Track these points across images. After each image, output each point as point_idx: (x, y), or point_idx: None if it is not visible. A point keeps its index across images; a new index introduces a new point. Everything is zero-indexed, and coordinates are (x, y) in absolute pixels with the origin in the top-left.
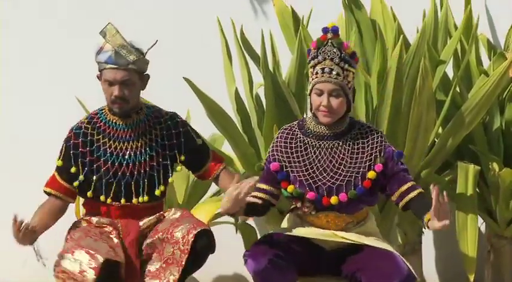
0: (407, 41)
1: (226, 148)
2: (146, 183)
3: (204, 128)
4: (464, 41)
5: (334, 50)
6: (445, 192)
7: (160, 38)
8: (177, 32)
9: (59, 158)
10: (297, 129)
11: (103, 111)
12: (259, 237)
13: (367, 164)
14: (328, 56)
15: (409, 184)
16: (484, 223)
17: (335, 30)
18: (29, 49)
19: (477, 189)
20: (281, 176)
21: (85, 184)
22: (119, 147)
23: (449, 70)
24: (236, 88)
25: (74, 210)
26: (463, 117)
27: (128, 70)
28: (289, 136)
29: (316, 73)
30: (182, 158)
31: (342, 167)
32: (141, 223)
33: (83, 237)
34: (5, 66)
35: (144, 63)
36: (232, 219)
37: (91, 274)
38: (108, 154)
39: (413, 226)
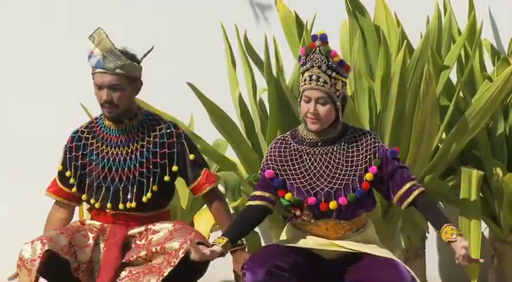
0: (411, 46)
1: (230, 153)
2: (135, 189)
3: (208, 133)
4: (468, 47)
5: (322, 58)
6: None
7: (163, 43)
8: (181, 38)
9: (60, 162)
10: (290, 139)
11: (102, 116)
12: (262, 241)
13: (364, 166)
14: (316, 64)
15: (407, 186)
16: (488, 228)
17: (323, 38)
18: (29, 49)
19: (481, 194)
20: (277, 183)
21: (80, 188)
22: (110, 152)
23: (453, 75)
24: (240, 93)
25: (78, 214)
26: (466, 123)
27: (117, 74)
28: (283, 145)
29: (305, 80)
30: (175, 168)
31: (338, 171)
32: (130, 232)
33: (56, 232)
34: (5, 66)
35: (134, 68)
36: None
37: (37, 262)
38: (100, 158)
39: (416, 230)
